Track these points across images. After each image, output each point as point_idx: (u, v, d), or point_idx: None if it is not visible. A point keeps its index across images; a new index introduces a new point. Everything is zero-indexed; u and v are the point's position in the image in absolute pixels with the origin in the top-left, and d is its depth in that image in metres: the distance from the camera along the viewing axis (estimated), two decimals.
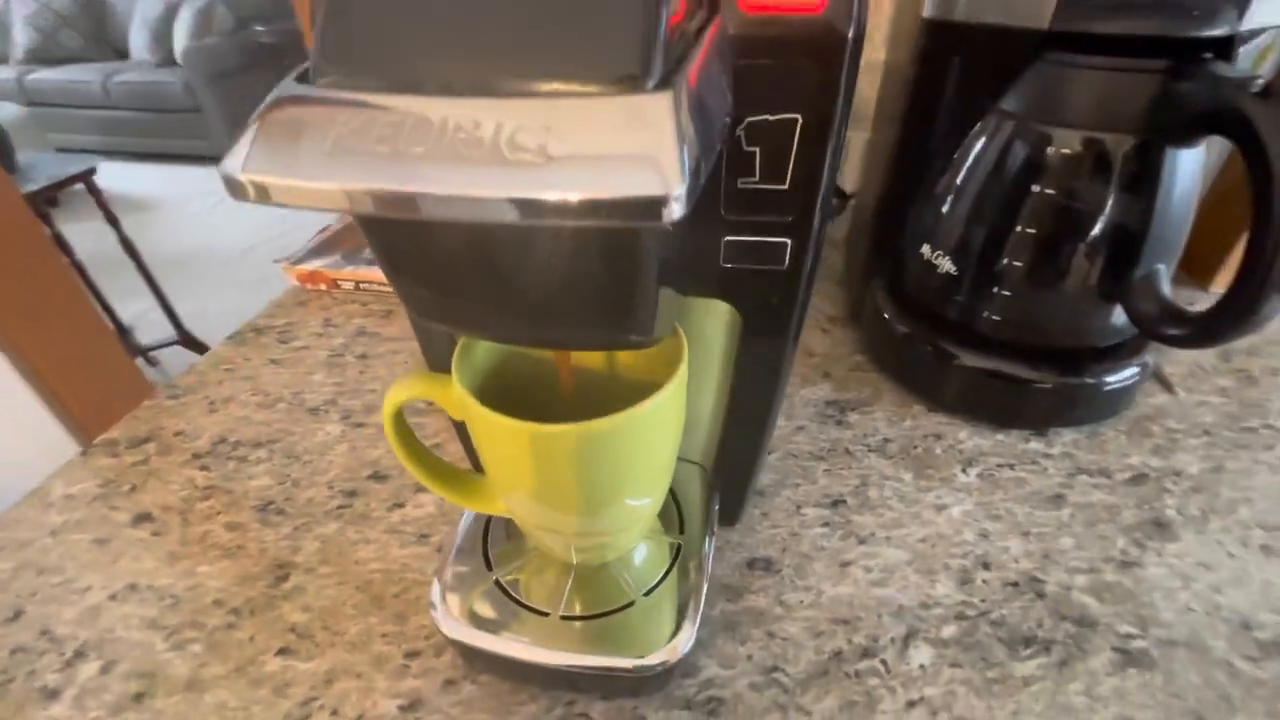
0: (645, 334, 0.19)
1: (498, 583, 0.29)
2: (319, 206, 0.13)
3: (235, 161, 0.14)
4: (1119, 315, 0.38)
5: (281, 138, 0.14)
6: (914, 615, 0.31)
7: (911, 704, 0.27)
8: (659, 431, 0.24)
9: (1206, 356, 0.46)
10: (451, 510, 0.36)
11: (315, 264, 0.57)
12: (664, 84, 0.14)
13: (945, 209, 0.40)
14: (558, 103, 0.13)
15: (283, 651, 0.30)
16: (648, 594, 0.28)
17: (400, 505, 0.37)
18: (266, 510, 0.37)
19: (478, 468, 0.35)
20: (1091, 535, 0.34)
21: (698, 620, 0.27)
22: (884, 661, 0.29)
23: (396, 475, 0.39)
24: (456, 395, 0.23)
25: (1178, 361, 0.45)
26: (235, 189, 0.14)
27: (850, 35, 0.19)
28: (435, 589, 0.28)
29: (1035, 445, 0.40)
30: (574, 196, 0.12)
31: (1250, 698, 0.27)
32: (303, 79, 0.15)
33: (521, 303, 0.18)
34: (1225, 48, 0.32)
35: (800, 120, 0.20)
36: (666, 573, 0.29)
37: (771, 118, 0.20)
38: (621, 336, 0.20)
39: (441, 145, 0.13)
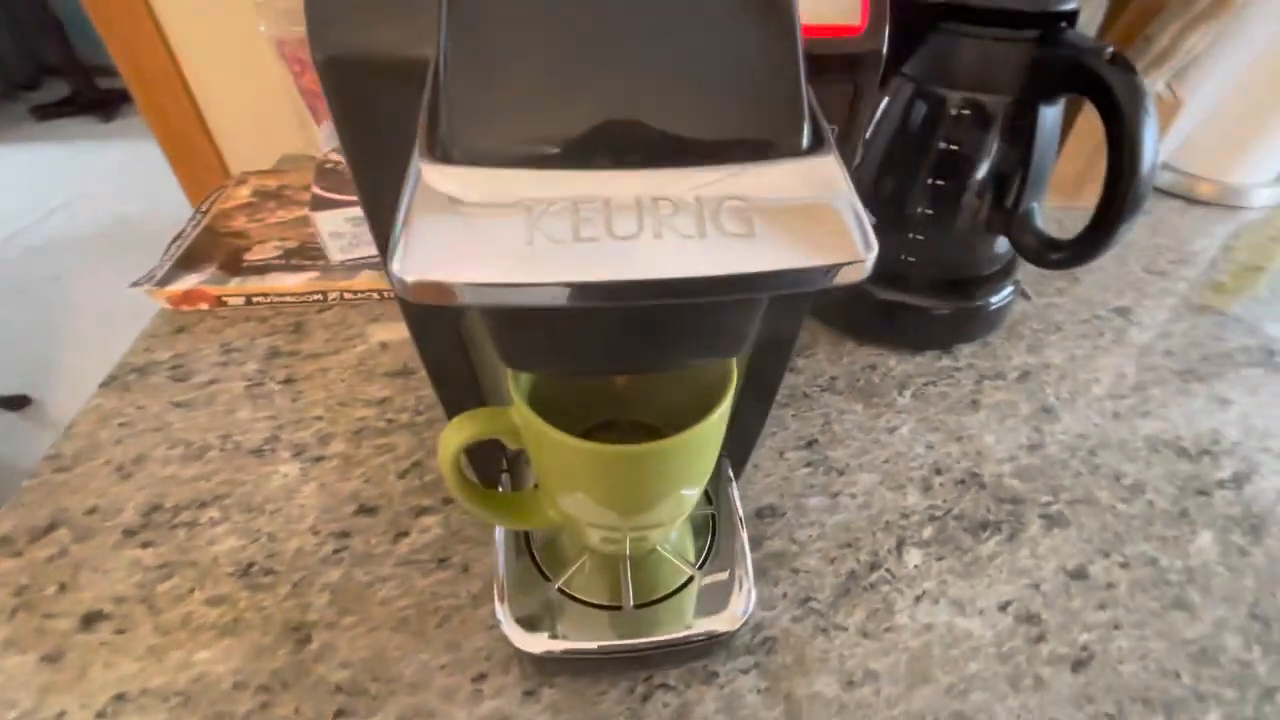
0: (742, 350, 0.21)
1: (560, 590, 0.29)
2: (530, 303, 0.13)
3: (422, 263, 0.13)
4: (999, 245, 0.46)
5: (464, 232, 0.13)
6: (898, 526, 0.37)
7: (918, 599, 0.33)
8: (719, 432, 0.25)
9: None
10: (462, 528, 0.36)
11: (187, 282, 0.49)
12: (818, 142, 0.15)
13: (857, 163, 0.45)
14: (737, 170, 0.14)
15: (341, 714, 0.28)
16: (701, 566, 0.31)
17: (404, 534, 0.35)
18: (250, 574, 0.33)
19: (485, 478, 0.35)
20: (1004, 429, 0.42)
21: (751, 578, 0.30)
22: (889, 570, 0.34)
23: (385, 504, 0.37)
24: (526, 424, 0.23)
25: (1026, 272, 0.56)
26: (424, 293, 0.13)
27: (883, 49, 0.21)
28: (500, 610, 0.28)
29: (946, 362, 0.48)
30: (790, 267, 0.13)
31: (1128, 528, 0.37)
32: (435, 154, 0.14)
33: (639, 343, 0.19)
34: (1073, 19, 0.38)
35: (836, 129, 0.22)
36: (711, 542, 0.32)
37: None
38: (726, 356, 0.21)
39: (651, 226, 0.13)
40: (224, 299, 0.49)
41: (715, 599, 0.29)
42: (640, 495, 0.25)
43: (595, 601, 0.29)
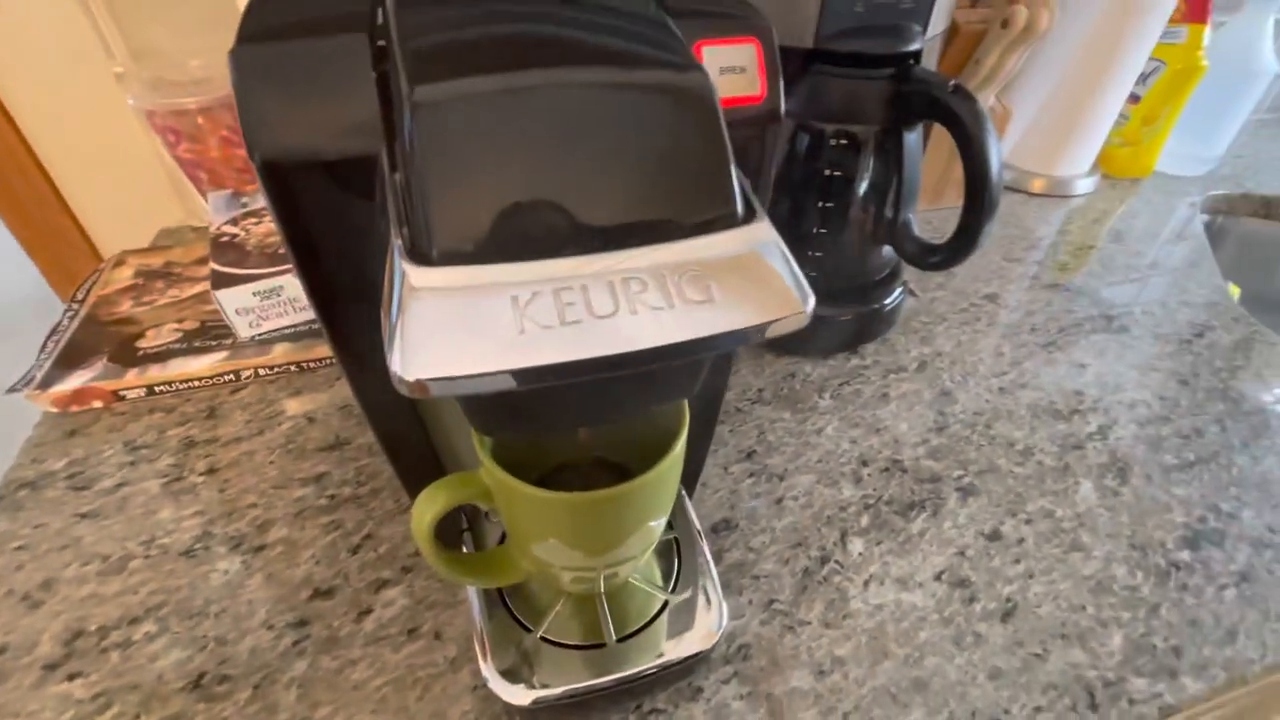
0: (694, 392, 0.23)
1: (543, 638, 0.30)
2: (529, 387, 0.14)
3: (422, 361, 0.14)
4: (885, 253, 0.51)
5: (457, 326, 0.14)
6: (839, 519, 0.40)
7: (866, 583, 0.37)
8: (679, 463, 0.27)
9: None
10: (427, 595, 0.35)
11: (74, 381, 0.45)
12: (750, 211, 0.17)
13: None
14: (688, 245, 0.16)
15: None
16: (673, 589, 0.32)
17: (367, 611, 0.34)
18: (203, 685, 0.31)
19: (446, 541, 0.35)
20: (913, 416, 0.47)
21: (720, 593, 0.32)
22: (837, 561, 0.38)
23: (342, 583, 0.36)
24: (498, 484, 0.24)
25: (910, 273, 0.62)
26: (428, 389, 0.14)
27: (782, 111, 0.24)
28: (485, 668, 0.29)
29: (854, 362, 0.52)
30: (749, 325, 0.15)
31: (1026, 488, 0.42)
32: (415, 256, 0.15)
33: (609, 399, 0.20)
34: (918, 56, 0.44)
35: (749, 182, 0.25)
36: (679, 566, 0.33)
37: None
38: (681, 399, 0.23)
39: (626, 304, 0.15)
40: (121, 393, 0.46)
41: (690, 618, 0.31)
42: (612, 534, 0.27)
43: (577, 643, 0.30)
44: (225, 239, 0.51)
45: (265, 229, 0.53)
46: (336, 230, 0.21)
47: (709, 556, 0.34)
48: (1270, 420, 0.48)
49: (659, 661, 0.29)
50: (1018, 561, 0.38)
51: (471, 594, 0.32)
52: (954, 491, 0.42)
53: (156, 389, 0.46)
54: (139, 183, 0.66)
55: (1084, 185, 0.79)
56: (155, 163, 0.63)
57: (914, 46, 0.43)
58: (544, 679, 0.29)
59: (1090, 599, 0.36)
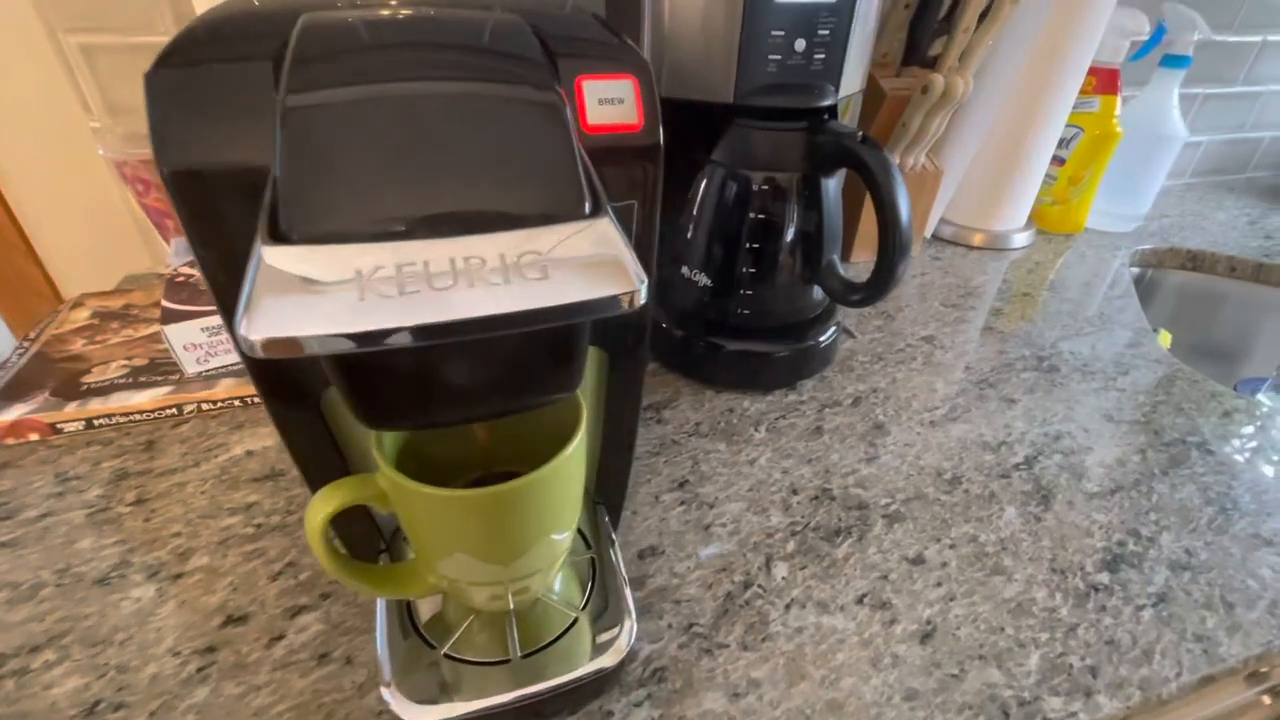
0: (577, 387, 0.24)
1: (447, 655, 0.30)
2: (365, 349, 0.15)
3: (267, 323, 0.15)
4: (815, 293, 0.54)
5: (304, 295, 0.15)
6: (765, 545, 0.40)
7: (788, 606, 0.37)
8: (578, 466, 0.28)
9: (862, 309, 0.67)
10: (344, 620, 0.35)
11: (11, 414, 0.45)
12: (597, 209, 0.19)
13: (690, 237, 0.52)
14: (532, 233, 0.18)
15: None
16: (584, 607, 0.32)
17: (279, 637, 0.34)
18: (97, 713, 0.30)
19: (363, 554, 0.35)
20: (845, 447, 0.48)
21: (633, 612, 0.32)
22: (760, 585, 0.38)
23: (257, 610, 0.35)
24: (393, 485, 0.25)
25: (848, 315, 0.65)
26: (272, 348, 0.15)
27: (660, 141, 0.26)
28: (387, 693, 0.28)
29: (791, 397, 0.54)
30: (579, 300, 0.17)
31: (952, 514, 0.43)
32: (276, 238, 0.17)
33: (483, 387, 0.22)
34: (833, 111, 0.48)
35: (635, 204, 0.27)
36: (592, 585, 0.33)
37: (618, 204, 0.26)
38: (562, 393, 0.24)
39: (465, 279, 0.16)
40: (58, 426, 0.46)
41: (604, 638, 0.31)
42: (512, 539, 0.27)
43: (484, 660, 0.30)
44: (181, 279, 0.53)
45: None
46: (240, 240, 0.23)
47: (624, 575, 0.34)
48: (1188, 450, 0.50)
49: (565, 678, 0.29)
50: (939, 585, 0.38)
51: (380, 613, 0.31)
52: (880, 518, 0.43)
53: (96, 422, 0.47)
54: (108, 232, 0.68)
55: (1021, 239, 0.83)
56: (125, 213, 0.66)
57: (826, 102, 0.47)
58: (448, 698, 0.28)
59: (1009, 620, 0.36)
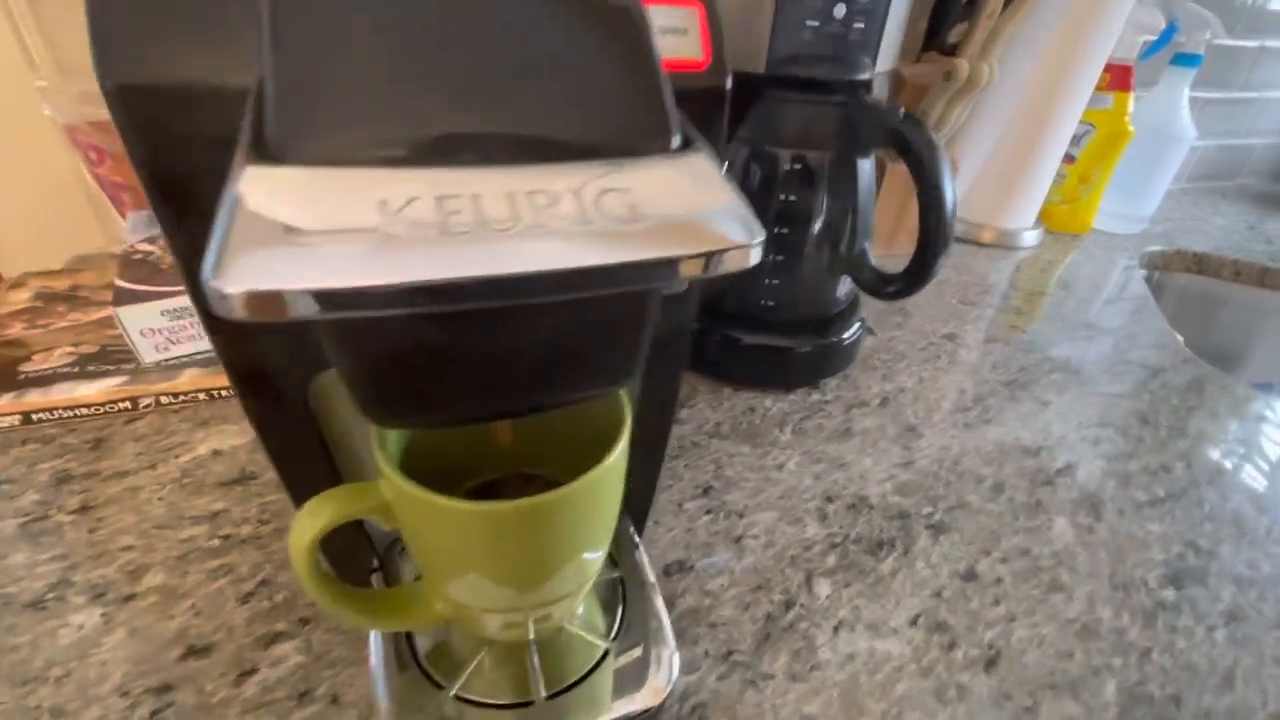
0: (632, 379, 0.19)
1: (457, 696, 0.25)
2: (390, 312, 0.11)
3: (248, 272, 0.10)
4: (842, 286, 0.50)
5: (302, 235, 0.11)
6: (804, 560, 0.36)
7: (835, 629, 0.33)
8: (619, 476, 0.24)
9: (877, 304, 0.63)
10: (328, 650, 0.30)
11: None
12: (687, 144, 0.15)
13: None
14: (613, 166, 0.13)
15: None
16: (615, 637, 0.28)
17: (250, 672, 0.29)
18: None
19: (351, 574, 0.30)
20: (878, 451, 0.45)
21: (672, 643, 0.28)
22: (803, 605, 0.34)
23: (224, 638, 0.30)
24: (400, 495, 0.20)
25: (865, 310, 0.61)
26: (254, 307, 0.10)
27: (727, 86, 0.22)
28: None
29: (815, 397, 0.50)
30: (687, 252, 0.12)
31: (999, 525, 0.39)
32: (262, 157, 0.12)
33: (529, 375, 0.17)
34: (868, 86, 0.44)
35: None
36: (623, 609, 0.29)
37: None
38: (614, 386, 0.19)
39: (532, 218, 0.12)
40: None
41: (635, 672, 0.27)
42: (541, 562, 0.23)
43: (501, 702, 0.25)
44: (138, 256, 0.47)
45: None
46: (204, 179, 0.18)
47: (659, 601, 0.29)
48: (1230, 458, 0.47)
49: None
50: (997, 603, 0.35)
51: (373, 646, 0.27)
52: (924, 529, 0.39)
53: (34, 417, 0.41)
54: (55, 205, 0.61)
55: (1030, 238, 0.81)
56: (75, 184, 0.59)
57: (864, 75, 0.43)
58: None
59: (1077, 644, 0.33)
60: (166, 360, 0.45)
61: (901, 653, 0.32)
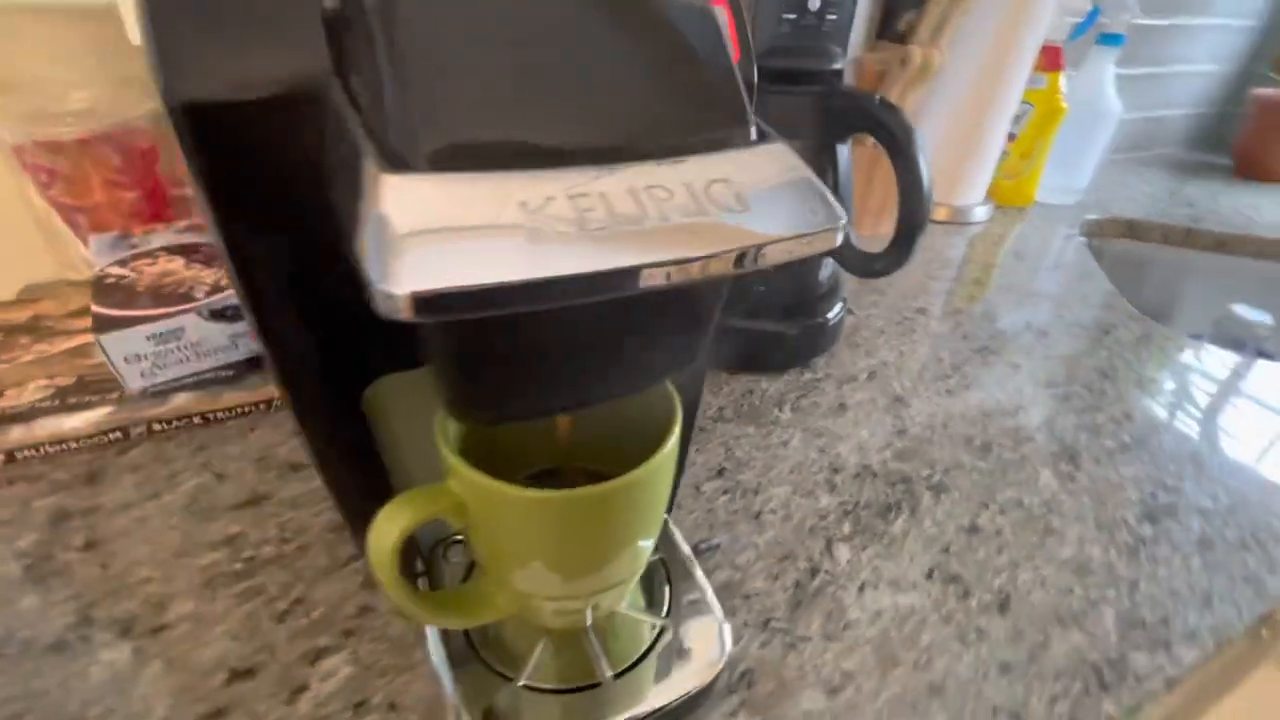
0: (697, 361, 0.21)
1: (526, 686, 0.26)
2: (551, 304, 0.12)
3: (418, 273, 0.11)
4: (825, 268, 0.52)
5: (455, 234, 0.11)
6: (821, 528, 0.38)
7: (860, 589, 0.35)
8: (673, 463, 0.25)
9: (852, 284, 0.66)
10: (376, 659, 0.30)
11: None
12: (763, 135, 0.16)
13: None
14: (705, 160, 0.14)
15: None
16: (668, 614, 0.29)
17: (302, 689, 0.28)
18: None
19: None
20: (872, 422, 0.47)
21: (720, 614, 0.29)
22: (827, 571, 0.36)
23: (267, 659, 0.30)
24: (474, 490, 0.21)
25: (845, 290, 0.64)
26: (427, 307, 0.11)
27: (755, 80, 0.23)
28: None
29: (807, 376, 0.52)
30: (794, 233, 0.14)
31: (993, 480, 0.42)
32: (396, 166, 0.12)
33: (614, 361, 0.18)
34: (840, 75, 0.47)
35: None
36: (670, 589, 0.30)
37: None
38: (687, 365, 0.20)
39: (655, 211, 0.13)
40: None
41: (692, 646, 0.28)
42: (604, 547, 0.23)
43: (568, 686, 0.26)
44: (111, 280, 0.45)
45: (161, 268, 0.47)
46: (268, 188, 0.18)
47: (701, 576, 0.31)
48: (1181, 403, 0.52)
49: (673, 696, 0.26)
50: (1000, 552, 0.37)
51: (432, 645, 0.27)
52: (926, 490, 0.41)
53: (19, 455, 0.39)
54: (1, 232, 0.58)
55: (981, 213, 0.86)
56: (22, 209, 0.56)
57: (838, 65, 0.45)
58: None
59: (1075, 581, 0.36)
60: (154, 387, 0.43)
61: (923, 605, 0.34)
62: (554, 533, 0.22)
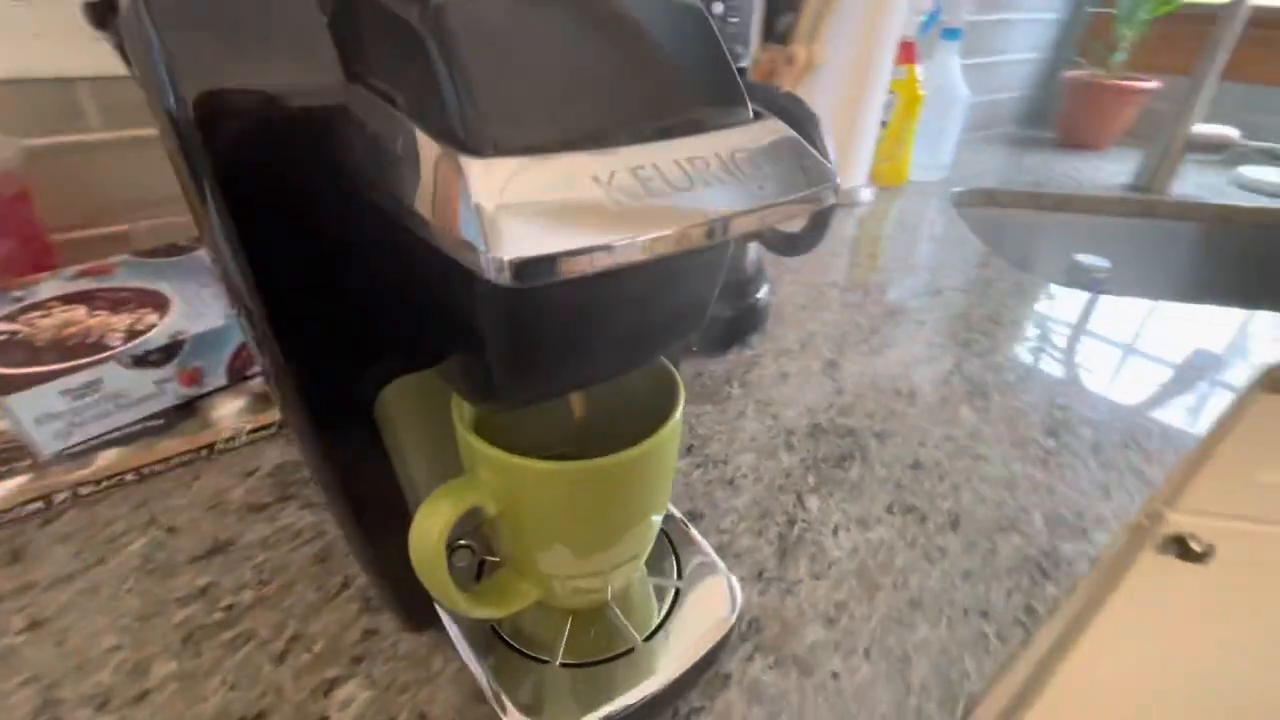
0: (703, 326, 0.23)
1: (563, 664, 0.26)
2: (635, 261, 0.13)
3: (521, 241, 0.12)
4: (751, 252, 0.56)
5: (547, 206, 0.13)
6: (789, 484, 0.41)
7: (835, 532, 0.38)
8: (677, 438, 0.26)
9: (772, 266, 0.71)
10: (394, 679, 0.29)
11: None
12: (757, 114, 0.18)
13: None
14: (722, 134, 0.16)
15: None
16: (681, 577, 0.31)
17: None
18: None
19: (411, 584, 0.30)
20: (812, 386, 0.51)
21: (726, 569, 0.31)
22: (803, 520, 0.39)
23: (275, 701, 0.28)
24: (504, 471, 0.21)
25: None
26: (531, 271, 0.12)
27: None
28: (513, 716, 0.24)
29: (748, 352, 0.56)
30: (811, 190, 0.16)
31: (925, 422, 0.48)
32: (467, 151, 0.13)
33: (637, 334, 0.19)
34: (744, 72, 0.51)
35: None
36: (676, 556, 0.32)
37: None
38: (694, 333, 0.22)
39: (701, 179, 0.15)
40: None
41: (708, 602, 0.30)
42: (623, 517, 0.25)
43: (602, 657, 0.27)
44: (3, 337, 0.40)
45: (59, 319, 0.43)
46: (284, 203, 0.18)
47: (698, 536, 0.33)
48: (1056, 337, 0.60)
49: (705, 647, 0.27)
50: (943, 480, 0.42)
51: (461, 645, 0.27)
52: (871, 438, 0.46)
53: None
54: None
55: (865, 194, 0.95)
56: None
57: (744, 63, 0.49)
58: (591, 702, 0.25)
59: (1006, 494, 0.41)
60: (73, 447, 0.39)
61: (889, 535, 0.38)
62: (581, 504, 0.23)
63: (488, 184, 0.13)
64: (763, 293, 0.58)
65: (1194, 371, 0.55)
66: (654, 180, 0.14)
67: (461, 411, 0.23)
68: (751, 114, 0.18)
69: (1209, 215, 1.00)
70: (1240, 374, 0.55)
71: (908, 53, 0.92)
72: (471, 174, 0.13)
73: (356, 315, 0.20)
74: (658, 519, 0.28)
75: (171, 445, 0.41)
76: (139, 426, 0.41)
